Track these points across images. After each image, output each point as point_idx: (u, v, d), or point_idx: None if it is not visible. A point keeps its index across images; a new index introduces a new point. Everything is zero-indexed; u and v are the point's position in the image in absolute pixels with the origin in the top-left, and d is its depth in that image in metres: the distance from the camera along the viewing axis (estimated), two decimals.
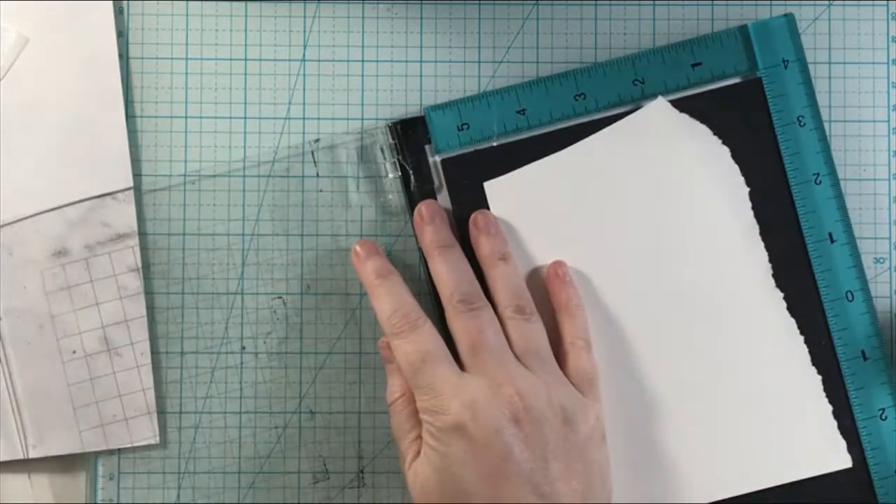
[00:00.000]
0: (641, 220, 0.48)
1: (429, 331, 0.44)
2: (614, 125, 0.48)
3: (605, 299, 0.48)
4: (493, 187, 0.48)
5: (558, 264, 0.47)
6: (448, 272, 0.45)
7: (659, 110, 0.48)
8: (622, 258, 0.48)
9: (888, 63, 0.49)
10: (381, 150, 0.48)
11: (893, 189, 0.49)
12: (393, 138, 0.48)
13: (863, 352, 0.48)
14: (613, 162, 0.48)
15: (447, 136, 0.48)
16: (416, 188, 0.48)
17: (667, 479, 0.47)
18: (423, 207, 0.47)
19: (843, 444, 0.47)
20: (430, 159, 0.48)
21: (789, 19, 0.48)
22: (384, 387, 0.48)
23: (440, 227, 0.47)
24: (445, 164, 0.48)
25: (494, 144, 0.48)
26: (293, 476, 0.48)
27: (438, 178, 0.48)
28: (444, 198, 0.48)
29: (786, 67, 0.48)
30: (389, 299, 0.45)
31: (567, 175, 0.48)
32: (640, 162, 0.48)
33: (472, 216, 0.47)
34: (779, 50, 0.48)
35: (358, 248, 0.47)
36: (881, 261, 0.49)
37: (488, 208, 0.48)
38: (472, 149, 0.48)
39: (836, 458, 0.47)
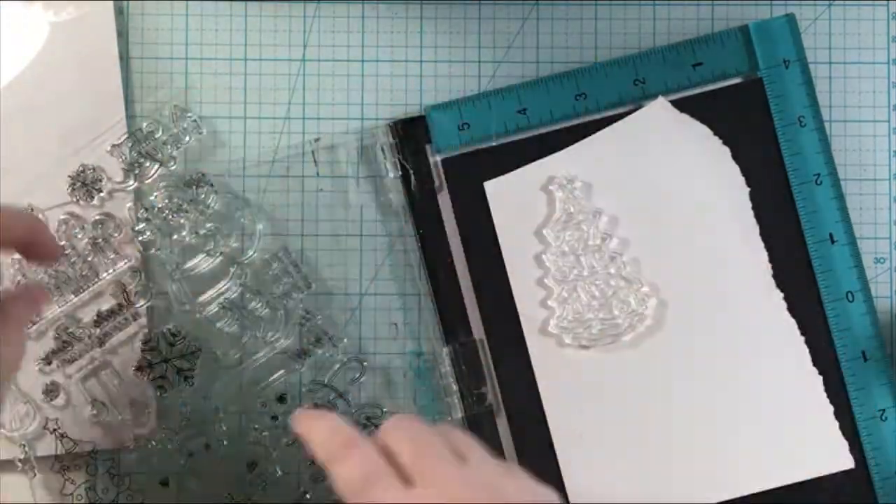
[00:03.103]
0: (642, 220, 0.48)
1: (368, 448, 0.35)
2: (615, 125, 0.48)
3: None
4: (493, 187, 0.48)
5: None
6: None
7: (660, 110, 0.48)
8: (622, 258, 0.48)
9: (888, 63, 0.49)
10: (382, 149, 0.48)
11: (893, 189, 0.49)
12: (393, 138, 0.48)
13: (863, 352, 0.48)
14: (614, 162, 0.48)
15: (447, 136, 0.48)
16: (417, 188, 0.48)
17: (668, 481, 0.47)
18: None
19: (844, 444, 0.47)
20: (431, 159, 0.48)
21: (790, 19, 0.48)
22: (384, 387, 0.48)
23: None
24: (446, 164, 0.48)
25: (494, 144, 0.48)
26: (293, 476, 0.48)
27: (438, 177, 0.48)
28: (444, 198, 0.48)
29: (787, 68, 0.48)
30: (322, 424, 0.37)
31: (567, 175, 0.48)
32: (641, 162, 0.48)
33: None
34: (780, 50, 0.48)
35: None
36: (881, 261, 0.49)
37: (488, 208, 0.48)
38: (472, 149, 0.48)
39: (838, 458, 0.47)
